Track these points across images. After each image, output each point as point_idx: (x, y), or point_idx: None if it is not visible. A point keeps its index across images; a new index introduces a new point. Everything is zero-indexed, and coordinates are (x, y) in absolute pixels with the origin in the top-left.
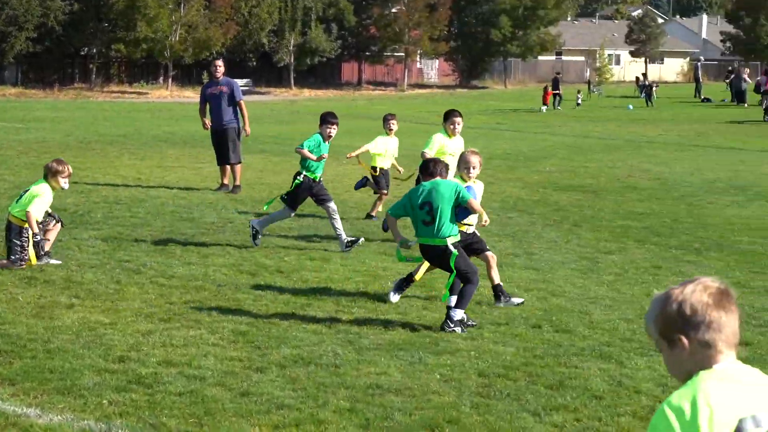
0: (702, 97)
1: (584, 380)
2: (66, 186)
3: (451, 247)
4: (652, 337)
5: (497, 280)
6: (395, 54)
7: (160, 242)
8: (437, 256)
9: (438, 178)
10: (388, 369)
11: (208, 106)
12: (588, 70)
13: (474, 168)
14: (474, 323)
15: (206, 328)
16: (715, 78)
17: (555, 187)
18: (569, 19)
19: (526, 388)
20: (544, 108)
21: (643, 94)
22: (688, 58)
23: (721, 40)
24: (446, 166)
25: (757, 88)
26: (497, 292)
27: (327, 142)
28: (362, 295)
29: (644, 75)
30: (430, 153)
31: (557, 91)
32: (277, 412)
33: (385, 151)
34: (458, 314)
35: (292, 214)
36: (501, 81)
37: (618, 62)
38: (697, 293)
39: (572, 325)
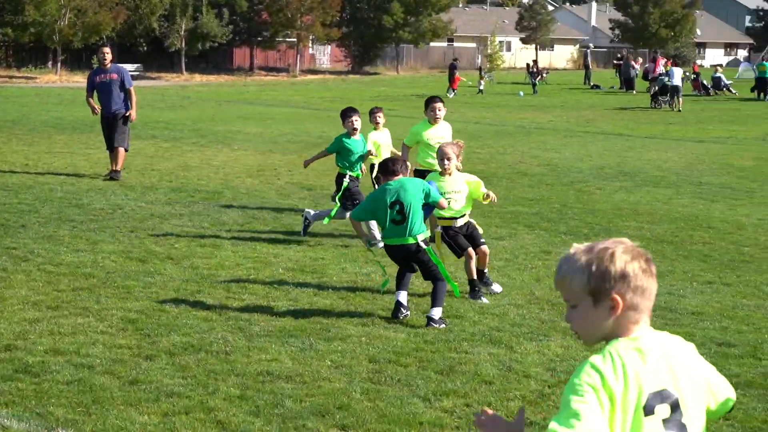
0: (591, 83)
1: (474, 365)
2: None
3: (422, 244)
4: (571, 290)
5: (474, 276)
6: (287, 39)
7: (48, 229)
8: (408, 254)
9: (401, 176)
10: (279, 356)
11: (95, 94)
12: (479, 56)
13: (449, 159)
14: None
15: (95, 315)
16: (604, 65)
17: None
18: (461, 5)
19: (416, 374)
20: (451, 93)
21: (533, 80)
22: (577, 46)
23: (610, 28)
24: (404, 162)
25: (645, 75)
26: (473, 285)
27: (357, 137)
28: (253, 282)
29: (535, 62)
30: (409, 144)
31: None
32: (167, 400)
33: (377, 146)
34: (437, 313)
35: (348, 215)
36: (393, 67)
37: (509, 49)
38: (636, 259)
39: (463, 311)
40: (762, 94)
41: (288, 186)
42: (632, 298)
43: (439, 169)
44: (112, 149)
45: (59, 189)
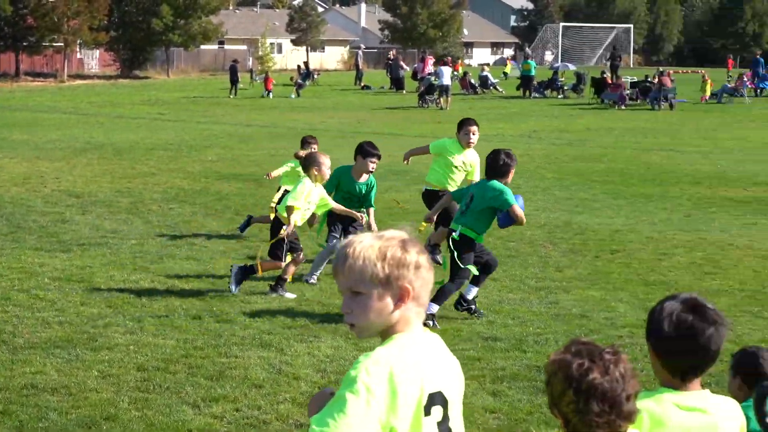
0: (362, 84)
1: (244, 369)
2: None
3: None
4: (358, 277)
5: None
6: (54, 44)
7: None
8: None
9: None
10: (44, 368)
11: None
12: (250, 59)
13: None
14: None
15: None
16: (374, 65)
17: (218, 176)
18: (231, 8)
19: (185, 381)
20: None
21: (305, 82)
22: (348, 47)
23: (380, 29)
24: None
25: (414, 75)
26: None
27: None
28: (18, 292)
29: (306, 63)
30: (432, 152)
31: (236, 79)
32: None
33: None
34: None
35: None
36: (164, 71)
37: (280, 51)
38: (424, 251)
39: (233, 315)
40: (527, 92)
41: (55, 194)
42: (419, 290)
43: None
44: None
45: None
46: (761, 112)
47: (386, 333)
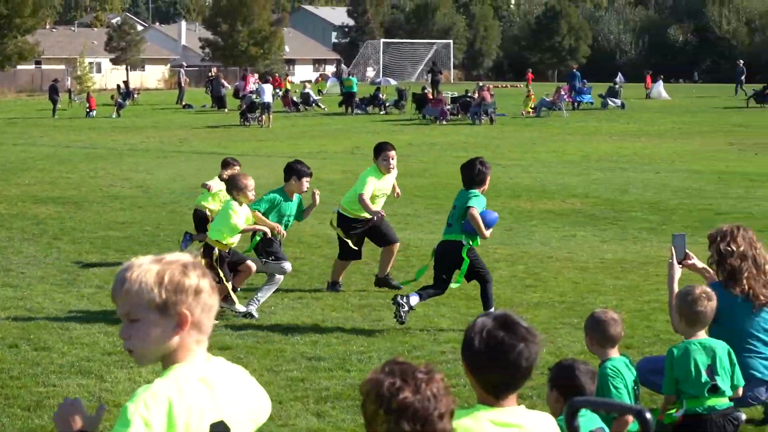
0: (183, 103)
1: (63, 398)
2: None
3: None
4: (135, 302)
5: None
6: None
7: None
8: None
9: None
10: None
11: None
12: (68, 78)
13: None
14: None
15: None
16: (196, 84)
17: (34, 200)
18: (48, 27)
19: (1, 412)
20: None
21: (125, 101)
22: (169, 65)
23: (201, 47)
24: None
25: (236, 93)
26: None
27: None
28: None
29: (125, 83)
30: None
31: (56, 98)
32: None
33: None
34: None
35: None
36: None
37: (99, 70)
38: (206, 275)
39: (51, 342)
40: (349, 109)
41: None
42: (200, 316)
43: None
44: None
45: None
46: (578, 125)
47: (167, 360)
